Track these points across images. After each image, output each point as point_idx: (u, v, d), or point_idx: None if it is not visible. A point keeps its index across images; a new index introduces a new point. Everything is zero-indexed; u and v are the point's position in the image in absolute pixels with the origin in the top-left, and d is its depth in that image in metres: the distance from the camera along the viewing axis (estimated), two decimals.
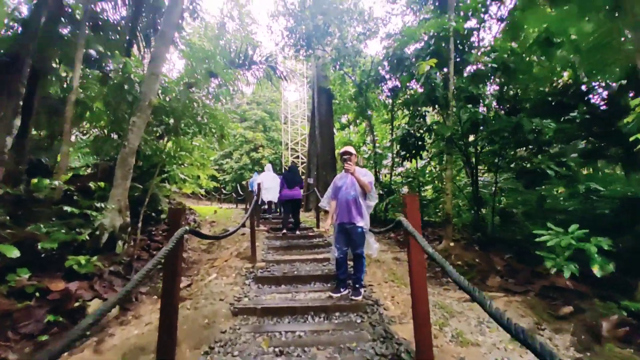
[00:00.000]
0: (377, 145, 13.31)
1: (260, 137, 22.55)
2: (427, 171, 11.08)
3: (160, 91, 6.70)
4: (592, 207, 5.00)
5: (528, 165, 5.77)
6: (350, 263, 3.42)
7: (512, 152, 6.21)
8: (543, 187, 5.47)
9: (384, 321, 2.79)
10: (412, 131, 6.06)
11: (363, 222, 3.12)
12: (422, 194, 9.78)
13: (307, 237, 6.50)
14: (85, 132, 9.14)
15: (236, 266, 4.38)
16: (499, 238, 5.88)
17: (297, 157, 21.54)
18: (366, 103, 12.68)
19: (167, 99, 6.91)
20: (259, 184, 7.33)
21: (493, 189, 6.44)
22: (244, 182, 13.54)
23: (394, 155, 10.24)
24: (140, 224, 4.55)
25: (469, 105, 5.14)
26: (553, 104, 5.89)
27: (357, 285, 3.16)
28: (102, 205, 4.10)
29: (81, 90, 7.15)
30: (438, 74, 5.32)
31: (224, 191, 19.56)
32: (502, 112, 5.98)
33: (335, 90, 14.64)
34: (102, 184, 4.36)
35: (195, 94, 7.19)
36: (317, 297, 3.31)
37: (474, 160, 6.22)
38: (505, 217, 6.55)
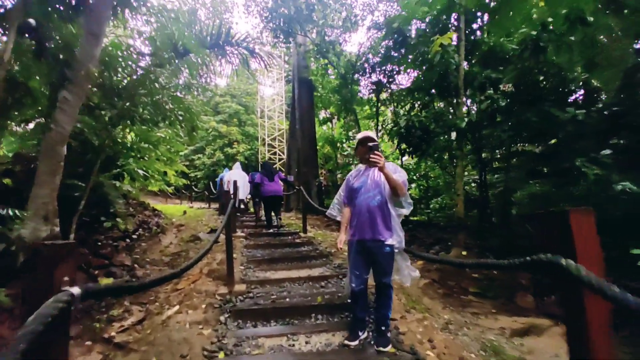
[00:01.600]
0: None
1: (235, 131, 21.07)
2: (412, 168, 10.46)
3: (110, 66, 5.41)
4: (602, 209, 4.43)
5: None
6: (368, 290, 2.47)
7: (524, 147, 5.55)
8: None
9: None
10: (416, 122, 5.21)
11: (394, 239, 2.18)
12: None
13: (293, 244, 5.50)
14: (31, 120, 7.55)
15: (207, 291, 3.30)
16: (514, 245, 5.20)
17: (275, 153, 20.35)
18: (352, 95, 11.86)
19: (118, 76, 5.62)
20: (235, 182, 6.24)
21: (501, 188, 5.78)
22: (217, 180, 12.28)
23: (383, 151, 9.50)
24: (72, 235, 3.34)
25: (490, 91, 4.35)
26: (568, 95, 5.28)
27: (382, 328, 2.22)
28: (12, 212, 2.88)
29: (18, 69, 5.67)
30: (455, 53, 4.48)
31: (196, 189, 18.02)
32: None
33: (317, 81, 13.67)
34: (7, 180, 3.10)
35: (159, 74, 5.92)
36: (326, 343, 2.33)
37: (484, 156, 5.52)
38: (517, 221, 5.90)
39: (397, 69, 9.53)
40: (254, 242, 5.50)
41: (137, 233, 5.59)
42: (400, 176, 2.16)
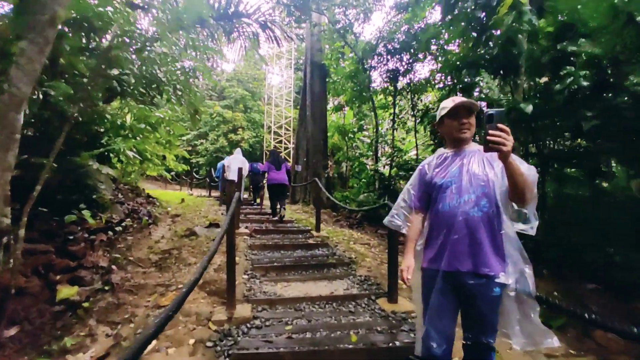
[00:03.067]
0: (379, 130, 11.63)
1: (240, 117, 20.09)
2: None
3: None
4: None
5: None
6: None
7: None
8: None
9: None
10: None
11: (509, 275, 1.29)
12: None
13: (306, 246, 4.64)
14: None
15: (199, 314, 2.45)
16: (565, 256, 4.31)
17: (280, 141, 19.41)
18: (369, 81, 10.92)
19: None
20: (240, 169, 5.39)
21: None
22: (218, 165, 11.42)
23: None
24: (22, 230, 2.46)
25: (570, 68, 3.40)
26: None
27: None
28: None
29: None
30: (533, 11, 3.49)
31: (197, 176, 17.20)
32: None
33: (330, 66, 12.64)
34: None
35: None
36: None
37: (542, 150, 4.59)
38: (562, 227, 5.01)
39: (418, 56, 8.76)
40: (259, 242, 4.64)
41: (122, 224, 4.74)
42: (528, 170, 1.26)
